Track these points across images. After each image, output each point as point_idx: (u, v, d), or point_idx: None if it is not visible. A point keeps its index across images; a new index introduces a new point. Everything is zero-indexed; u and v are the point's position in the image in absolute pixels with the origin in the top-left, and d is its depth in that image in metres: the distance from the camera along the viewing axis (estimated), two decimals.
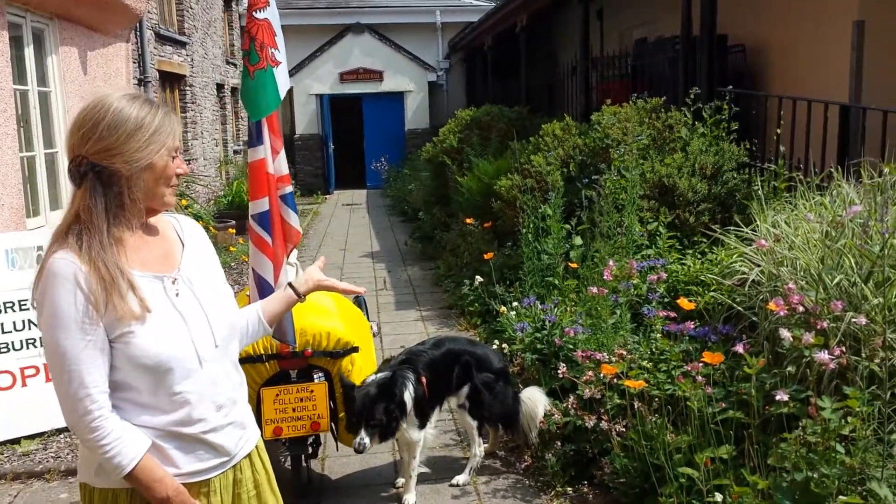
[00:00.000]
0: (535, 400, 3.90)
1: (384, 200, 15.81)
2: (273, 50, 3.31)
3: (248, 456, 1.91)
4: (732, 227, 4.84)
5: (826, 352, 2.47)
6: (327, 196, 17.06)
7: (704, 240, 5.67)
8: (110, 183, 1.68)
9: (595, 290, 4.04)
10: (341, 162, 18.32)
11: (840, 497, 2.34)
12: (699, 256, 5.30)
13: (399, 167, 16.69)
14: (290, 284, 2.10)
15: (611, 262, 4.23)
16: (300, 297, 2.08)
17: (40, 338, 1.86)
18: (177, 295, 1.76)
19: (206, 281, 1.85)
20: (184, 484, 1.74)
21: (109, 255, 1.65)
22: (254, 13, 3.29)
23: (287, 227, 3.52)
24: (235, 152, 15.98)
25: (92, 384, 1.63)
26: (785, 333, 2.64)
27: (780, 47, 7.87)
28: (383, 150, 17.88)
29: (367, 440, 3.34)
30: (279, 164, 3.46)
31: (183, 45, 12.42)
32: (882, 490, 2.34)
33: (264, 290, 3.26)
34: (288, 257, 3.68)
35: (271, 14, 3.30)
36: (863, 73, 6.18)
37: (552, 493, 3.65)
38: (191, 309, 1.76)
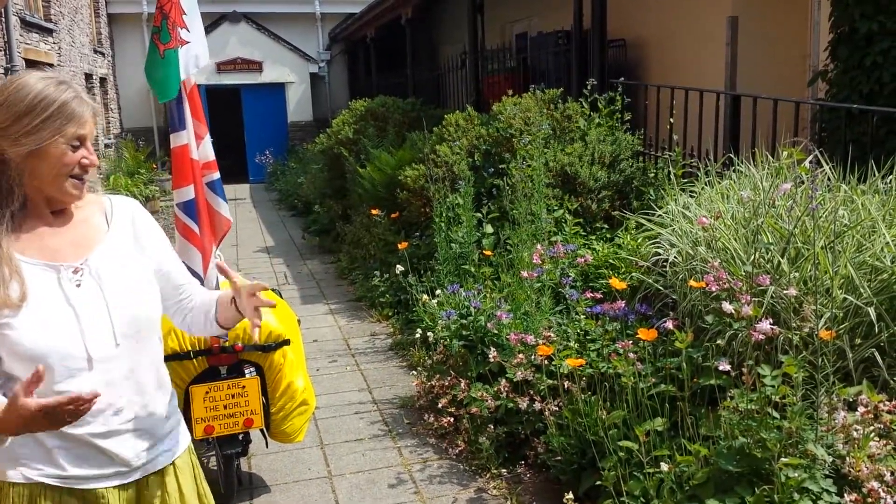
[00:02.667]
0: None
1: (270, 194, 15.46)
2: (181, 29, 3.19)
3: (161, 472, 1.75)
4: (639, 213, 5.07)
5: (768, 322, 2.63)
6: None
7: (606, 225, 5.91)
8: (1, 167, 1.57)
9: (525, 273, 4.12)
10: (221, 155, 17.74)
11: (782, 459, 2.50)
12: (603, 241, 5.52)
13: (284, 160, 16.35)
14: (233, 300, 1.86)
15: (539, 247, 4.33)
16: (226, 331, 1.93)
17: None
18: (77, 286, 1.62)
19: (125, 270, 1.70)
20: (70, 489, 1.62)
21: None
22: None
23: (216, 215, 3.41)
24: (107, 146, 15.19)
25: None
26: (727, 306, 2.79)
27: (659, 42, 8.27)
28: (265, 142, 17.45)
29: None
30: (205, 150, 3.34)
31: (50, 32, 11.70)
32: (818, 450, 2.52)
33: None
34: (217, 247, 3.57)
35: None
36: (737, 65, 6.61)
37: (487, 475, 3.71)
38: (90, 303, 1.62)
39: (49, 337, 1.56)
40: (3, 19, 9.43)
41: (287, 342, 3.52)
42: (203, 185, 3.28)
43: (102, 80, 15.83)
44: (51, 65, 11.60)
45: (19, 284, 1.55)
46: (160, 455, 1.75)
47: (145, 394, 1.71)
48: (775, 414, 2.69)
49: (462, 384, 4.09)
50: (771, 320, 2.74)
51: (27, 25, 10.58)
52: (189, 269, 3.16)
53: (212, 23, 17.05)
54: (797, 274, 3.18)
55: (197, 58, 3.25)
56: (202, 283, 3.18)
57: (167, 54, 3.15)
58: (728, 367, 2.79)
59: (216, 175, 3.37)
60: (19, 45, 9.98)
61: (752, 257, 3.36)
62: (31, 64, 10.66)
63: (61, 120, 1.58)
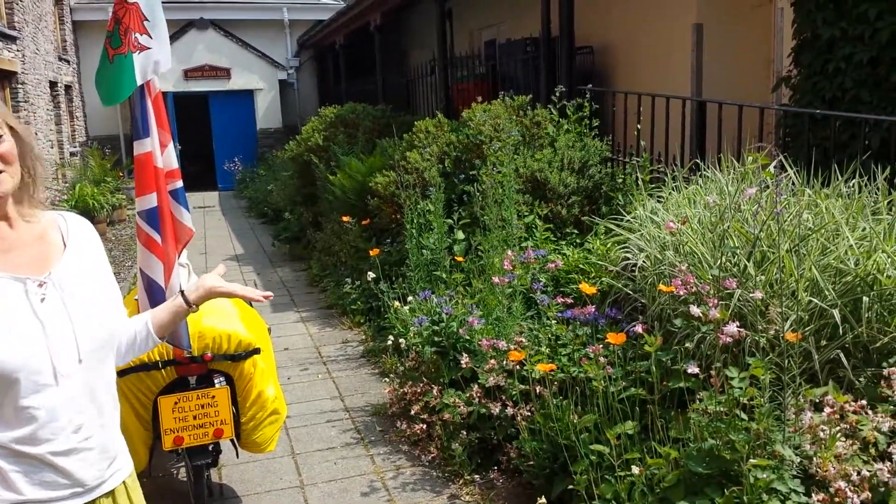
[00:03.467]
0: None
1: (239, 202, 15.33)
2: (138, 35, 3.16)
3: (112, 493, 1.72)
4: (606, 218, 5.11)
5: (735, 324, 2.66)
6: None
7: (576, 231, 5.95)
8: None
9: (497, 279, 4.13)
10: (189, 163, 17.56)
11: (750, 461, 2.53)
12: (574, 246, 5.55)
13: (253, 167, 16.23)
14: (181, 293, 1.94)
15: (510, 253, 4.34)
16: (191, 306, 1.92)
17: None
18: (42, 300, 1.58)
19: (84, 288, 1.67)
20: None
21: None
22: None
23: (178, 224, 3.37)
24: (72, 154, 14.98)
25: None
26: (695, 310, 2.82)
27: (626, 48, 8.35)
28: (234, 150, 17.30)
29: None
30: (168, 159, 3.30)
31: (13, 39, 11.51)
32: (786, 451, 2.55)
33: (154, 292, 3.11)
34: (179, 257, 3.53)
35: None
36: (702, 71, 6.71)
37: (460, 481, 3.71)
38: (55, 317, 1.58)
39: (17, 352, 1.51)
40: None
41: (257, 351, 3.49)
42: (167, 194, 3.24)
43: (67, 88, 15.61)
44: (14, 72, 11.42)
45: None
46: (114, 474, 1.72)
47: (103, 412, 1.68)
48: (743, 416, 2.73)
49: (434, 390, 4.09)
50: (738, 323, 2.77)
51: None
52: (149, 278, 3.13)
53: (179, 29, 16.91)
54: (763, 277, 3.22)
55: (157, 63, 3.21)
56: (163, 293, 3.13)
57: (116, 59, 3.13)
58: (697, 370, 2.82)
59: (179, 184, 3.34)
60: None
61: (719, 261, 3.41)
62: None
63: None
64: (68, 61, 15.96)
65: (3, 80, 11.25)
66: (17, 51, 11.74)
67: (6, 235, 1.62)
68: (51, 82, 14.09)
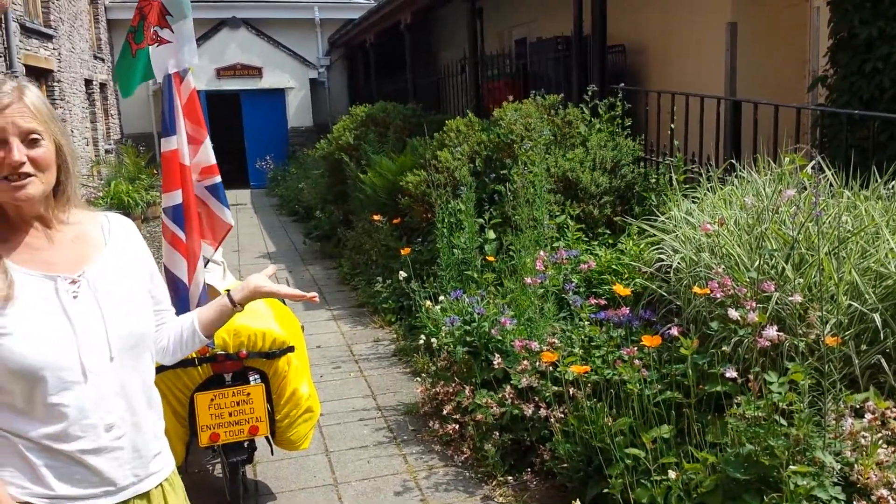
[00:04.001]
0: None
1: (271, 200, 15.45)
2: (158, 28, 3.20)
3: (147, 495, 1.70)
4: (639, 219, 5.08)
5: (774, 328, 2.63)
6: None
7: (608, 231, 5.92)
8: None
9: (528, 280, 4.12)
10: (221, 161, 17.72)
11: (790, 467, 2.50)
12: (606, 247, 5.52)
13: (284, 166, 16.34)
14: (227, 292, 1.95)
15: (542, 253, 4.33)
16: (236, 305, 1.92)
17: None
18: (74, 297, 1.59)
19: (120, 287, 1.67)
20: None
21: None
22: None
23: (217, 219, 3.41)
24: (107, 151, 15.21)
25: None
26: (733, 313, 2.80)
27: (659, 47, 8.29)
28: (265, 148, 17.45)
29: None
30: (204, 155, 3.34)
31: (49, 38, 11.71)
32: (826, 458, 2.52)
33: (178, 289, 3.14)
34: (216, 252, 3.58)
35: None
36: (737, 70, 6.63)
37: (493, 482, 3.71)
38: (86, 315, 1.59)
39: (44, 349, 1.52)
40: (3, 25, 9.44)
41: (291, 349, 3.52)
42: (192, 190, 3.27)
43: (102, 86, 15.85)
44: (50, 70, 11.61)
45: (5, 284, 1.52)
46: (148, 476, 1.71)
47: (136, 411, 1.67)
48: (782, 421, 2.70)
49: (466, 391, 4.10)
50: (776, 327, 2.74)
51: (27, 31, 10.59)
52: (174, 275, 3.17)
53: (211, 28, 17.09)
54: (802, 280, 3.18)
55: (180, 59, 3.25)
56: (187, 290, 3.17)
57: (138, 53, 3.20)
58: (734, 374, 2.79)
59: (217, 178, 3.38)
60: (19, 50, 9.99)
61: (757, 263, 3.37)
62: (31, 69, 10.67)
63: None
64: (103, 59, 16.20)
65: (40, 77, 11.44)
66: (53, 49, 11.93)
67: (41, 235, 1.64)
68: (86, 80, 14.31)
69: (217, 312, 1.93)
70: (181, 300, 3.09)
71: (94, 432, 1.58)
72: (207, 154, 3.35)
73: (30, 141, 1.57)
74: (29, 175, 1.56)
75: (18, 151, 1.54)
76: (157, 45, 3.19)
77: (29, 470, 1.56)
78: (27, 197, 1.58)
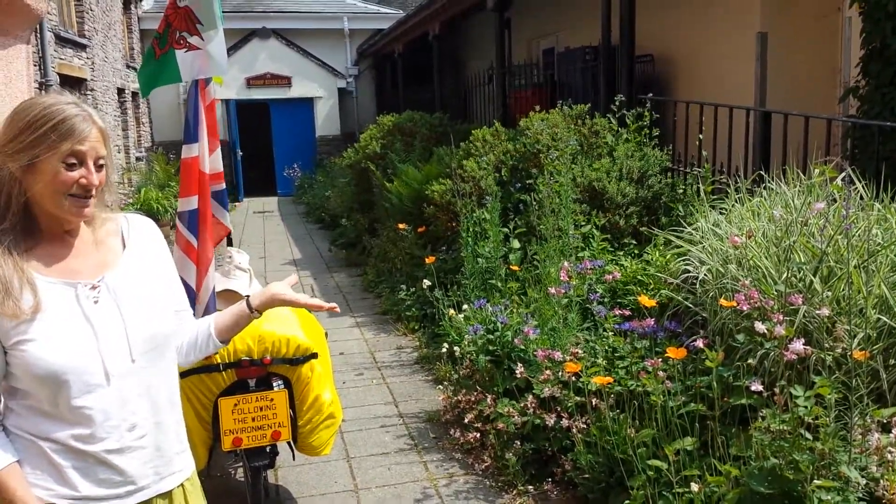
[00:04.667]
0: None
1: (298, 208, 15.57)
2: (186, 34, 3.25)
3: (169, 494, 1.74)
4: (667, 230, 5.04)
5: (801, 341, 2.60)
6: (237, 204, 16.65)
7: (634, 241, 5.88)
8: (3, 183, 1.58)
9: (553, 289, 4.11)
10: (249, 169, 17.92)
11: (814, 482, 2.46)
12: (631, 257, 5.49)
13: (311, 174, 16.47)
14: (246, 298, 1.96)
15: (566, 264, 4.32)
16: (253, 312, 1.93)
17: None
18: (95, 302, 1.63)
19: (141, 289, 1.71)
20: None
21: (4, 255, 1.56)
22: (177, 1, 3.26)
23: (217, 224, 3.46)
24: (138, 159, 15.42)
25: None
26: (760, 326, 2.77)
27: (687, 57, 8.24)
28: (293, 156, 17.61)
29: None
30: (214, 162, 3.40)
31: (83, 47, 11.91)
32: (852, 473, 2.48)
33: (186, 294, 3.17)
34: (229, 256, 3.63)
35: (195, 3, 3.23)
36: (766, 81, 6.57)
37: (514, 492, 3.69)
38: (107, 319, 1.63)
39: (67, 354, 1.57)
40: (38, 35, 9.61)
41: (315, 355, 3.54)
42: (209, 198, 3.32)
43: (134, 95, 16.07)
44: (84, 80, 11.81)
45: (32, 296, 1.56)
46: (171, 475, 1.74)
47: (158, 412, 1.71)
48: (808, 435, 2.66)
49: (488, 399, 4.09)
50: (803, 340, 2.70)
51: (61, 41, 10.78)
52: (183, 280, 3.20)
53: (242, 38, 17.29)
54: (830, 293, 3.14)
55: (209, 66, 3.30)
56: (195, 296, 3.21)
57: (161, 57, 3.28)
58: (760, 387, 2.75)
59: (222, 185, 3.46)
60: (53, 59, 10.17)
61: (784, 276, 3.33)
62: (65, 78, 10.86)
63: (56, 136, 1.56)
64: (135, 68, 16.42)
65: (74, 86, 11.64)
66: (87, 58, 12.14)
67: (66, 243, 1.67)
68: (118, 89, 14.53)
69: (234, 318, 1.94)
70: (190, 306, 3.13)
71: (117, 433, 1.62)
72: (217, 161, 3.42)
73: (98, 165, 1.64)
74: (92, 196, 1.63)
75: (96, 175, 1.62)
76: (185, 50, 3.25)
77: (55, 472, 1.59)
78: (87, 215, 1.65)
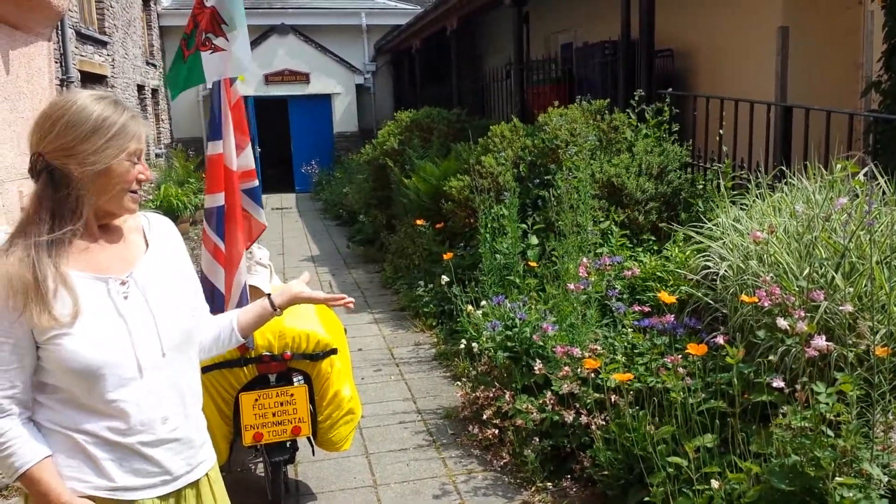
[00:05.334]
0: None
1: (315, 204, 15.62)
2: (212, 36, 3.26)
3: (196, 484, 1.78)
4: (687, 225, 5.01)
5: (823, 338, 2.58)
6: None
7: (653, 237, 5.86)
8: (61, 184, 1.60)
9: (571, 286, 4.10)
10: (267, 165, 18.00)
11: (836, 479, 2.45)
12: (650, 253, 5.46)
13: (329, 170, 16.51)
14: (268, 297, 2.01)
15: (585, 260, 4.31)
16: (276, 309, 1.99)
17: None
18: (125, 298, 1.67)
19: (165, 285, 1.75)
20: (118, 500, 1.65)
21: (45, 256, 1.57)
22: (203, 1, 3.28)
23: (252, 220, 3.47)
24: (157, 156, 15.52)
25: None
26: (782, 322, 2.75)
27: (707, 51, 8.18)
28: (311, 153, 17.67)
29: None
30: (245, 160, 3.41)
31: (104, 44, 12.00)
32: (874, 470, 2.46)
33: (216, 297, 3.18)
34: (251, 252, 3.64)
35: (220, 3, 3.24)
36: (787, 75, 6.50)
37: (532, 488, 3.69)
38: (138, 314, 1.67)
39: (103, 349, 1.60)
40: (59, 32, 9.70)
41: (334, 351, 3.56)
42: (238, 194, 3.33)
43: (154, 92, 16.19)
44: (104, 76, 11.90)
45: (73, 302, 1.58)
46: (198, 465, 1.79)
47: (187, 403, 1.76)
48: (829, 432, 2.64)
49: (507, 396, 4.09)
50: (825, 336, 2.68)
51: (82, 38, 10.87)
52: (211, 284, 3.21)
53: (260, 35, 17.34)
54: (852, 289, 3.11)
55: (234, 66, 3.31)
56: (223, 300, 3.21)
57: (189, 59, 3.29)
58: (782, 384, 2.74)
59: (255, 182, 3.46)
60: (74, 56, 10.26)
61: (806, 272, 3.30)
62: (86, 75, 10.95)
63: (124, 138, 1.64)
64: (155, 65, 16.54)
65: (95, 83, 11.73)
66: (108, 55, 12.23)
67: (95, 238, 1.71)
68: (138, 86, 14.63)
69: (257, 315, 1.99)
70: (218, 309, 3.13)
71: (151, 425, 1.66)
72: (248, 159, 3.42)
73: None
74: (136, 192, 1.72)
75: (147, 169, 1.72)
76: (210, 51, 3.26)
77: (91, 463, 1.63)
78: (137, 207, 1.74)
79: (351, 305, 2.09)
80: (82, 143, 1.60)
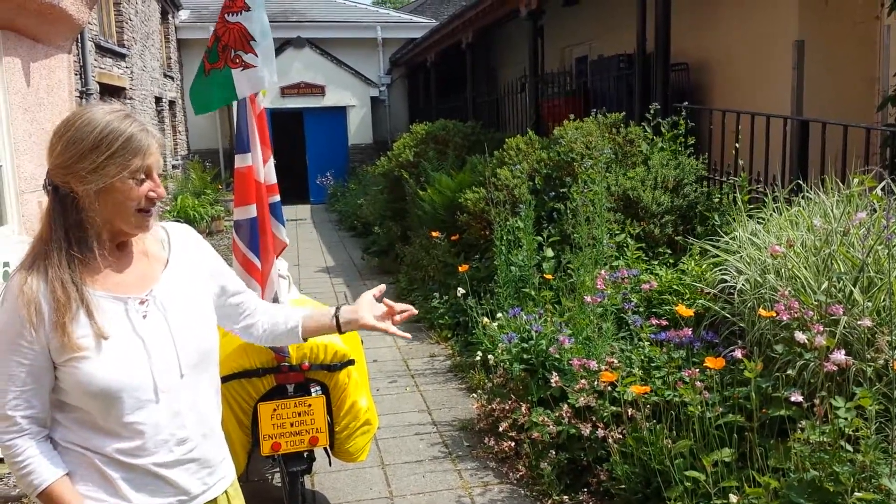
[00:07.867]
0: None
1: (330, 215, 15.70)
2: (241, 53, 3.29)
3: (214, 502, 1.77)
4: (703, 239, 5.01)
5: (842, 352, 2.58)
6: None
7: (669, 251, 5.85)
8: (67, 202, 1.57)
9: (588, 298, 4.11)
10: (283, 177, 18.08)
11: (855, 494, 2.44)
12: (666, 266, 5.46)
13: (344, 182, 16.60)
14: (335, 316, 1.98)
15: (603, 272, 4.31)
16: (340, 330, 1.98)
17: None
18: (144, 317, 1.63)
19: (186, 301, 1.72)
20: None
21: (66, 278, 1.55)
22: (226, 16, 3.30)
23: (273, 237, 3.50)
24: (174, 167, 15.66)
25: (13, 406, 1.56)
26: (800, 336, 2.75)
27: (723, 65, 8.19)
28: (326, 164, 17.78)
29: None
30: (268, 173, 3.43)
31: (122, 56, 12.14)
32: (893, 485, 2.45)
33: None
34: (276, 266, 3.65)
35: (247, 19, 3.27)
36: (803, 89, 6.50)
37: (549, 501, 3.69)
38: (156, 334, 1.64)
39: (121, 373, 1.57)
40: (79, 44, 9.83)
41: (352, 362, 3.57)
42: (266, 208, 3.35)
43: (171, 104, 16.34)
44: (123, 88, 12.04)
45: (94, 326, 1.57)
46: (216, 483, 1.77)
47: (206, 423, 1.73)
48: (848, 447, 2.63)
49: (523, 408, 4.09)
50: (843, 351, 2.68)
51: (101, 50, 11.01)
52: None
53: (277, 48, 17.41)
54: (870, 304, 3.10)
55: (262, 80, 3.35)
56: None
57: (212, 73, 3.31)
58: (800, 398, 2.73)
59: (277, 198, 3.47)
60: (94, 69, 10.38)
61: (824, 286, 3.30)
62: (105, 87, 11.08)
63: (126, 154, 1.57)
64: (172, 77, 16.71)
65: (113, 95, 11.86)
66: (126, 67, 12.37)
67: (113, 256, 1.67)
68: (156, 98, 14.78)
69: (319, 326, 1.99)
70: None
71: (166, 447, 1.64)
72: (271, 173, 3.45)
73: (159, 175, 1.68)
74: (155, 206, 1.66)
75: (160, 186, 1.65)
76: (241, 68, 3.30)
77: (107, 483, 1.61)
78: (150, 227, 1.68)
79: (408, 337, 2.17)
80: (80, 161, 1.55)
